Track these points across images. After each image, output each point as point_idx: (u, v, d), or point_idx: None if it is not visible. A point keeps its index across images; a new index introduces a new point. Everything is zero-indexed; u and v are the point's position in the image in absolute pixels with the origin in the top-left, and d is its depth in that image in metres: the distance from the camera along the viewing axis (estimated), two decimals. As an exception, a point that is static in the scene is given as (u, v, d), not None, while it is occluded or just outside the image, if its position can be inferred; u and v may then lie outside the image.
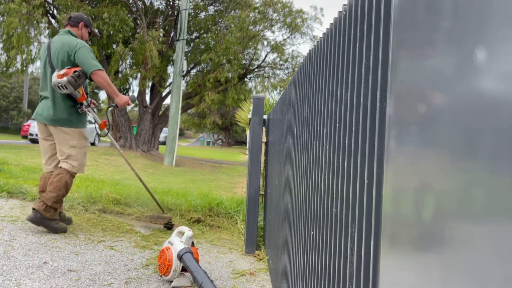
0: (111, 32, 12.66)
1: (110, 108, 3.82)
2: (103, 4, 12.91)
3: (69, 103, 3.38)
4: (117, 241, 3.40)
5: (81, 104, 3.37)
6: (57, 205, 3.28)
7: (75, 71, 3.19)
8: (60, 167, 3.34)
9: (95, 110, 3.57)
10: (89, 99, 3.47)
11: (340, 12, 1.24)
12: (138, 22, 13.93)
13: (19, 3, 11.46)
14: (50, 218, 3.26)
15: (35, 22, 12.10)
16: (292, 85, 2.28)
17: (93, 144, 18.47)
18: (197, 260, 2.58)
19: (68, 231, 3.48)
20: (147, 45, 12.32)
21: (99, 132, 3.63)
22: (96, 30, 3.10)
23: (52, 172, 3.45)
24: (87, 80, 3.47)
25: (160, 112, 15.88)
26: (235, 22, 14.33)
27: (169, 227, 3.97)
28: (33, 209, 3.25)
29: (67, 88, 3.20)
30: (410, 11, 0.70)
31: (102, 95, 36.11)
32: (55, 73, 3.22)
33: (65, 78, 3.15)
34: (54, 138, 3.42)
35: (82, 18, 3.57)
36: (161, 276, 2.67)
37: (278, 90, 16.08)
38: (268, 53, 16.75)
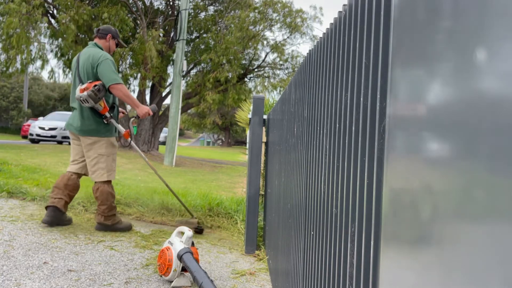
0: None
1: (132, 119, 3.92)
2: (103, 4, 12.91)
3: (97, 114, 3.53)
4: (117, 241, 3.40)
5: (105, 115, 3.52)
6: (113, 211, 3.59)
7: (95, 85, 3.35)
8: (95, 182, 3.58)
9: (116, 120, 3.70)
10: (116, 109, 3.62)
11: (340, 12, 1.24)
12: (138, 22, 13.93)
13: (19, 3, 11.45)
14: (113, 224, 3.61)
15: (35, 22, 12.09)
16: (292, 85, 2.28)
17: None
18: (197, 260, 2.58)
19: (68, 231, 3.48)
20: (147, 45, 12.32)
21: (122, 142, 3.75)
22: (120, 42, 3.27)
23: (73, 173, 3.64)
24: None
25: (160, 112, 15.88)
26: (235, 22, 14.33)
27: (198, 231, 4.03)
28: (97, 222, 3.60)
29: (88, 102, 3.37)
30: (410, 11, 0.70)
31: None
32: (78, 87, 3.40)
33: (85, 93, 3.32)
34: (83, 148, 3.59)
35: (109, 30, 3.73)
36: (161, 276, 2.67)
37: (278, 90, 16.08)
38: (268, 53, 16.75)
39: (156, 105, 3.81)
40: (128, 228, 3.71)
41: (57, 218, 3.50)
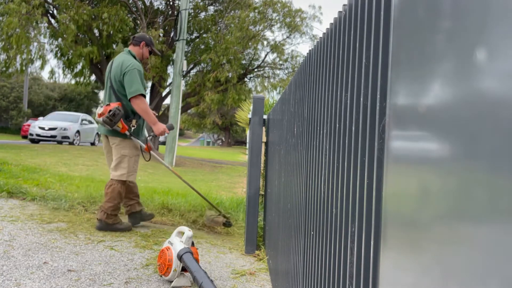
0: (111, 32, 12.65)
1: (149, 138, 3.95)
2: (103, 4, 12.90)
3: (124, 117, 3.65)
4: (117, 241, 3.40)
5: (126, 133, 3.61)
6: (116, 211, 3.64)
7: (109, 111, 3.45)
8: (111, 178, 3.64)
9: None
10: (135, 122, 3.66)
11: (340, 12, 1.24)
12: (138, 22, 13.92)
13: (19, 3, 11.44)
14: (114, 223, 3.64)
15: (35, 22, 12.08)
16: (292, 85, 2.28)
17: (93, 144, 18.48)
18: (197, 260, 2.58)
19: (68, 231, 3.48)
20: None
21: (143, 155, 3.88)
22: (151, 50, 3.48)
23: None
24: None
25: (160, 112, 15.87)
26: (235, 22, 14.33)
27: (227, 225, 4.21)
28: (97, 219, 3.63)
29: (105, 126, 3.52)
30: (410, 11, 0.70)
31: (102, 95, 36.12)
32: (97, 110, 3.58)
33: (101, 119, 3.48)
34: (110, 145, 3.72)
35: (144, 38, 3.84)
36: (161, 276, 2.67)
37: (278, 90, 16.09)
38: (268, 53, 16.75)
39: (152, 104, 3.99)
40: (128, 229, 3.74)
41: (138, 218, 3.81)
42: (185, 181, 4.19)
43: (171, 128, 3.90)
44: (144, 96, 3.64)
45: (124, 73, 3.54)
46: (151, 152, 3.85)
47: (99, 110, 3.54)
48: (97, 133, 19.32)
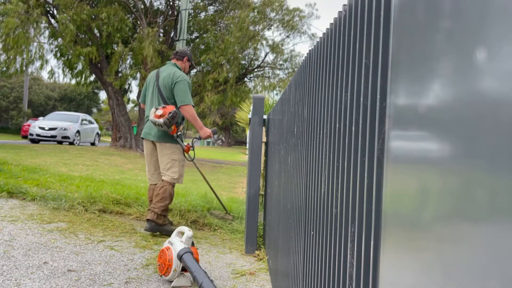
0: (110, 32, 12.66)
1: (194, 140, 4.26)
2: (102, 4, 12.90)
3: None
4: (117, 241, 3.40)
5: (174, 135, 3.84)
6: (166, 212, 3.76)
7: (169, 113, 3.65)
8: (163, 180, 3.81)
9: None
10: (182, 127, 3.94)
11: (340, 12, 1.24)
12: (138, 22, 13.93)
13: (16, 3, 11.44)
14: (163, 224, 3.76)
15: (35, 22, 12.07)
16: (292, 85, 2.28)
17: (93, 144, 18.47)
18: (197, 260, 2.58)
19: (68, 231, 3.48)
20: (143, 44, 12.30)
21: (186, 156, 4.04)
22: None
23: (156, 184, 3.93)
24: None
25: (160, 112, 15.84)
26: (235, 22, 14.33)
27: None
28: (147, 219, 3.73)
29: (162, 127, 3.69)
30: (410, 11, 0.70)
31: (102, 95, 36.14)
32: (153, 111, 3.74)
33: (161, 120, 3.65)
34: (158, 152, 3.89)
35: (186, 53, 4.18)
36: (161, 276, 2.67)
37: (278, 90, 16.09)
38: (267, 53, 16.75)
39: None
40: (171, 233, 3.77)
41: (154, 228, 3.75)
42: (206, 179, 4.52)
43: (215, 132, 4.22)
44: (193, 105, 3.92)
45: (176, 83, 3.81)
46: (194, 158, 4.11)
47: (158, 112, 3.67)
48: (97, 133, 19.34)
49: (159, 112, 3.69)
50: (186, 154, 4.01)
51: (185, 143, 3.96)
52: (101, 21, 12.40)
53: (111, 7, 12.55)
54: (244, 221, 4.10)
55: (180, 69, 4.03)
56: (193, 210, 4.49)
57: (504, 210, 0.41)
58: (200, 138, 4.15)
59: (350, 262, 0.99)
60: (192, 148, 4.06)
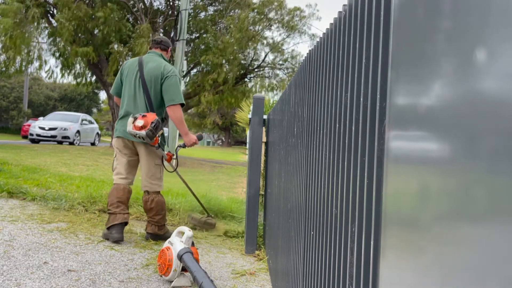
0: (108, 32, 12.65)
1: (178, 148, 3.82)
2: (99, 4, 12.89)
3: None
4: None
5: (156, 145, 3.40)
6: (164, 221, 3.56)
7: (152, 123, 3.20)
8: (148, 191, 3.48)
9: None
10: (161, 132, 3.41)
11: (340, 12, 1.24)
12: (139, 22, 13.92)
13: (11, 2, 11.43)
14: (165, 233, 3.57)
15: (36, 22, 12.06)
16: (292, 85, 2.28)
17: (93, 144, 18.47)
18: (197, 260, 2.58)
19: (68, 231, 3.48)
20: (139, 42, 12.27)
21: (165, 165, 3.67)
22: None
23: (124, 185, 3.49)
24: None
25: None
26: (235, 22, 14.32)
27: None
28: (148, 233, 3.51)
29: (143, 139, 3.25)
30: (410, 11, 0.70)
31: (102, 95, 36.16)
32: (130, 121, 3.24)
33: (143, 132, 3.19)
34: (141, 154, 3.47)
35: (169, 43, 3.74)
36: (161, 276, 2.67)
37: (278, 90, 16.09)
38: (267, 53, 16.75)
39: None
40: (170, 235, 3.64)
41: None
42: (187, 183, 4.19)
43: (200, 138, 3.82)
44: (183, 104, 3.52)
45: (166, 77, 3.38)
46: (176, 169, 3.77)
47: (137, 122, 3.20)
48: (97, 133, 19.34)
49: (140, 122, 3.20)
50: (167, 163, 3.64)
51: (166, 151, 3.57)
52: (97, 21, 12.39)
53: (108, 7, 12.54)
54: (244, 221, 4.10)
55: (167, 61, 3.61)
56: (192, 210, 4.50)
57: (504, 210, 0.41)
58: (184, 146, 3.73)
59: (350, 262, 0.99)
60: (174, 157, 3.69)
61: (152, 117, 3.25)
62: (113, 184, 3.53)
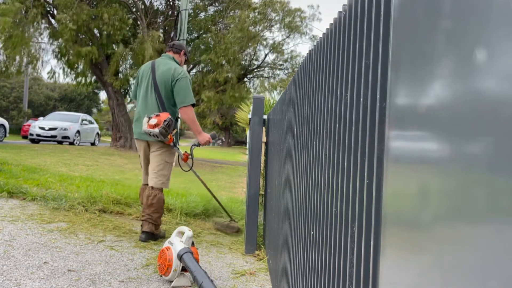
0: (111, 32, 12.66)
1: (193, 146, 3.89)
2: (102, 4, 12.89)
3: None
4: (117, 241, 3.40)
5: (171, 144, 3.51)
6: (160, 221, 3.60)
7: (165, 121, 3.32)
8: (152, 187, 3.54)
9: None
10: (175, 131, 3.54)
11: (340, 12, 1.24)
12: (139, 22, 13.93)
13: (11, 2, 11.43)
14: (159, 232, 3.60)
15: (36, 22, 12.06)
16: (292, 85, 2.28)
17: (93, 144, 18.47)
18: (197, 260, 2.58)
19: (68, 231, 3.48)
20: (145, 45, 12.30)
21: (181, 165, 3.80)
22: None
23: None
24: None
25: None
26: (235, 22, 14.33)
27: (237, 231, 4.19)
28: (144, 231, 3.50)
29: (157, 137, 3.37)
30: (410, 11, 0.70)
31: (102, 95, 36.16)
32: (145, 121, 3.38)
33: (157, 130, 3.31)
34: (151, 152, 3.59)
35: (183, 46, 3.87)
36: (161, 276, 2.67)
37: (278, 90, 16.09)
38: (267, 53, 16.75)
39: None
40: (163, 236, 3.67)
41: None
42: (207, 187, 4.28)
43: (214, 137, 3.90)
44: (195, 104, 3.61)
45: (177, 80, 3.49)
46: (192, 167, 3.80)
47: (151, 121, 3.34)
48: (97, 133, 19.33)
49: (153, 121, 3.34)
50: (183, 163, 3.70)
51: (183, 151, 3.68)
52: (101, 21, 12.40)
53: (111, 7, 12.56)
54: (244, 221, 4.10)
55: (179, 64, 3.72)
56: (192, 210, 4.51)
57: (504, 210, 0.41)
58: (199, 145, 3.81)
59: (350, 262, 0.99)
60: (190, 157, 3.75)
61: (165, 116, 3.38)
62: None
